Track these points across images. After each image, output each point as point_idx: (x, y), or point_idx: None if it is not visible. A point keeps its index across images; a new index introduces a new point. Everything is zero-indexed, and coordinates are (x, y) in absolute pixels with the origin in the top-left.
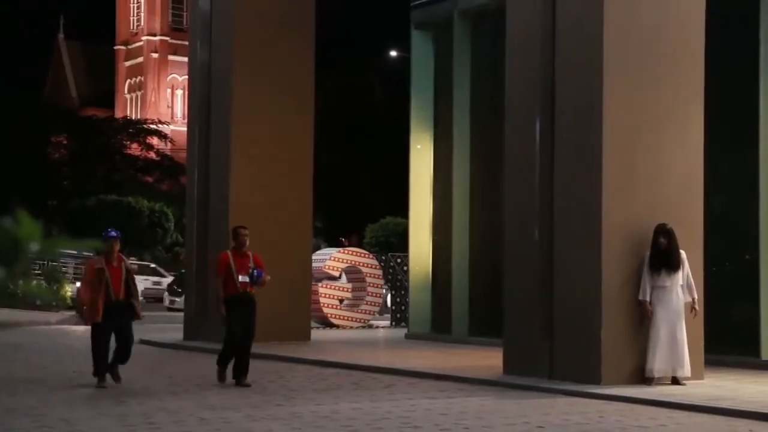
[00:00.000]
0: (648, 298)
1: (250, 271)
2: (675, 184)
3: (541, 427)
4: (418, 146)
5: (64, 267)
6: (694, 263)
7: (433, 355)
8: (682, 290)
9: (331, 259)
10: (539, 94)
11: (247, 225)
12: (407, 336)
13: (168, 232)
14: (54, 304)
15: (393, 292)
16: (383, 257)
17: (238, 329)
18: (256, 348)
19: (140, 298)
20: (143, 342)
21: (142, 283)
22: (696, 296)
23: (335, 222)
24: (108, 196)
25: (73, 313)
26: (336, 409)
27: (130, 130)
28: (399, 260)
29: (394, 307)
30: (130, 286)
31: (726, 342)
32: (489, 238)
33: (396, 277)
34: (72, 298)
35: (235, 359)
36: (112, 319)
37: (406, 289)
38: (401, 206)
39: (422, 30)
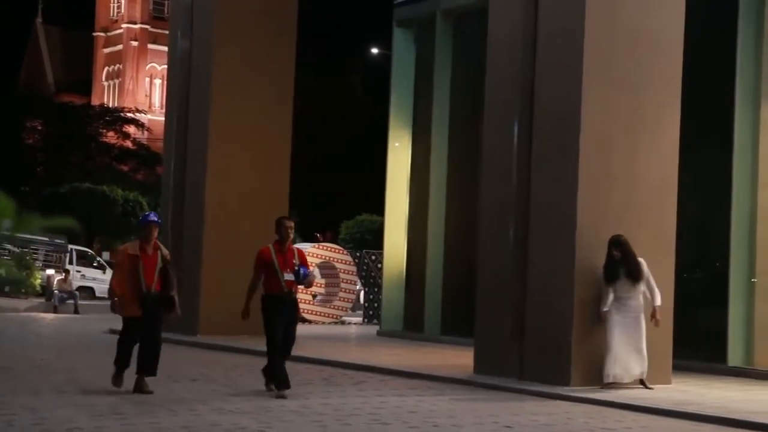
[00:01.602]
0: (607, 308)
1: (296, 268)
2: (649, 188)
3: (509, 427)
4: (396, 144)
5: (34, 253)
6: (665, 269)
7: (405, 352)
8: (643, 297)
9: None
10: (519, 96)
11: (222, 218)
12: (379, 333)
13: None
14: (23, 290)
15: (366, 289)
16: (358, 254)
17: (279, 334)
18: (226, 341)
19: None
20: (112, 332)
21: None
22: (659, 303)
23: (311, 217)
24: (82, 183)
25: (42, 300)
26: (305, 404)
27: (107, 118)
28: (373, 257)
29: (367, 304)
30: (167, 276)
31: (694, 348)
32: (464, 238)
33: (370, 274)
34: (42, 286)
35: (278, 367)
36: (144, 313)
37: (379, 287)
38: (377, 203)
39: (404, 28)
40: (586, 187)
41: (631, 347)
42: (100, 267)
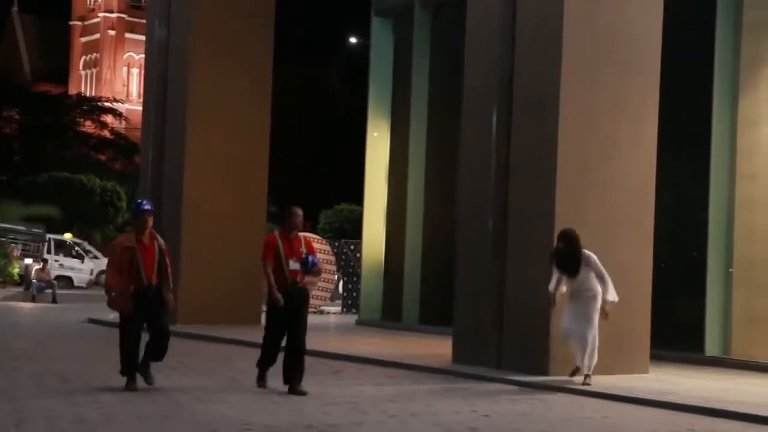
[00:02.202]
0: (554, 290)
1: (303, 257)
2: (628, 179)
3: (487, 416)
4: (375, 134)
5: (12, 243)
6: (644, 259)
7: (383, 342)
8: (594, 290)
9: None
10: (497, 86)
11: (200, 207)
12: (358, 323)
13: (120, 211)
14: (1, 280)
15: (345, 279)
16: (336, 243)
17: (280, 327)
18: (205, 330)
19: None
20: (91, 321)
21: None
22: (610, 299)
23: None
24: (60, 173)
25: (20, 289)
26: (284, 393)
27: (84, 108)
28: (352, 247)
29: (345, 294)
30: (163, 268)
31: (671, 337)
32: (442, 228)
33: (348, 263)
34: (20, 275)
35: (288, 362)
36: (144, 307)
37: (358, 276)
38: (356, 193)
39: (383, 18)
40: (564, 178)
41: (576, 335)
42: (78, 256)
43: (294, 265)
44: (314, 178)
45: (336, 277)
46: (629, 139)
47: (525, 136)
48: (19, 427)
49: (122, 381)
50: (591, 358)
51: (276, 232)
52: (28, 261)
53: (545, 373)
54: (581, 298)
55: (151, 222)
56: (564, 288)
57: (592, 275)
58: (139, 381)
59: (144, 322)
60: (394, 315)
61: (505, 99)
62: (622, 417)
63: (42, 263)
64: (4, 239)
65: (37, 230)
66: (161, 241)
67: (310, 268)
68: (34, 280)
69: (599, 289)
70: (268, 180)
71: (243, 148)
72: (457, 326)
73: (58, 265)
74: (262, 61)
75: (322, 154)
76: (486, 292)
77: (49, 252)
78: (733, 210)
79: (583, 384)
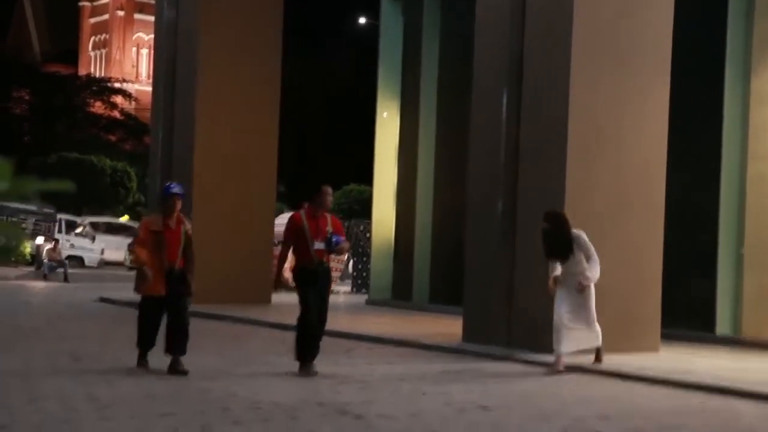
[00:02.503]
0: (554, 274)
1: (328, 236)
2: (638, 160)
3: (497, 394)
4: (385, 114)
5: (23, 222)
6: (654, 239)
7: (393, 321)
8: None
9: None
10: (507, 68)
11: (210, 187)
12: (368, 302)
13: (130, 192)
14: (13, 259)
15: (355, 259)
16: (346, 224)
17: (314, 308)
18: (215, 309)
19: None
20: (103, 300)
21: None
22: (590, 276)
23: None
24: (70, 153)
25: (32, 268)
26: (295, 371)
27: (94, 88)
28: (362, 227)
29: (355, 274)
30: (188, 254)
31: (682, 317)
32: (452, 207)
33: (358, 243)
34: (32, 255)
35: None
36: (166, 291)
37: (368, 256)
38: (365, 174)
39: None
40: (574, 159)
41: (571, 318)
42: (89, 236)
43: (319, 245)
44: (324, 158)
45: (346, 257)
46: (639, 119)
47: (535, 118)
48: (32, 405)
49: (133, 359)
50: (599, 339)
51: (302, 210)
52: (40, 240)
53: None
54: (569, 285)
55: (179, 205)
56: (559, 269)
57: (583, 258)
58: (152, 363)
59: (165, 308)
60: (404, 294)
61: (515, 80)
62: (632, 396)
63: (53, 243)
64: (15, 219)
65: (48, 210)
66: (188, 225)
67: (333, 247)
68: (45, 260)
69: (595, 274)
70: (278, 160)
71: (252, 129)
72: (467, 305)
73: (70, 245)
74: (271, 41)
75: (332, 134)
76: (496, 271)
77: (60, 232)
78: (744, 190)
79: (595, 362)
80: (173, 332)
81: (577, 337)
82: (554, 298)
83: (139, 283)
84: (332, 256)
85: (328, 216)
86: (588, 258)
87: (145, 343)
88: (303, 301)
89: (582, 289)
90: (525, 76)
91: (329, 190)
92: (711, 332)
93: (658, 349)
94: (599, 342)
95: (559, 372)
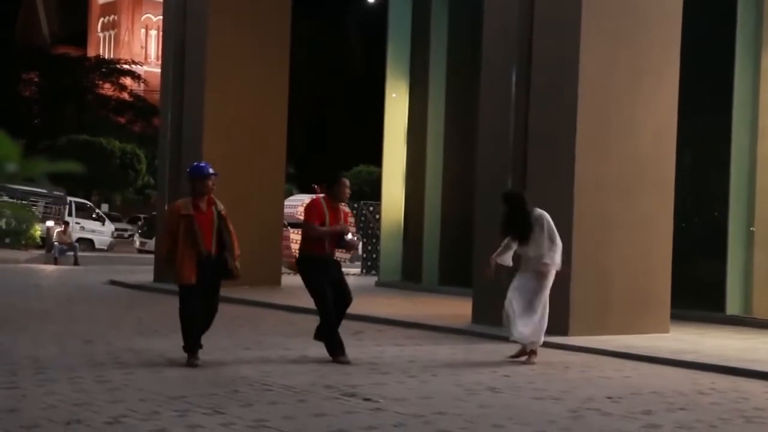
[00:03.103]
0: (496, 256)
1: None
2: (648, 140)
3: (507, 376)
4: (394, 95)
5: (33, 205)
6: (664, 218)
7: (403, 303)
8: (556, 256)
9: (303, 205)
10: (516, 47)
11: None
12: (377, 284)
13: (139, 174)
14: (23, 242)
15: (364, 241)
16: (355, 205)
17: (332, 302)
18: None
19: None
20: (113, 283)
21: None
22: (548, 262)
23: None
24: (79, 136)
25: (42, 251)
26: (305, 355)
27: (103, 70)
28: (371, 209)
29: (365, 255)
30: (224, 236)
31: (692, 297)
32: (462, 188)
33: (368, 225)
34: (42, 237)
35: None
36: (202, 279)
37: (377, 238)
38: (375, 155)
39: None
40: (583, 138)
41: (522, 308)
42: (99, 219)
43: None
44: (333, 139)
45: (355, 238)
46: (649, 99)
47: (544, 98)
48: (43, 388)
49: (143, 342)
50: (541, 336)
51: (321, 198)
52: (50, 223)
53: (565, 333)
54: (534, 269)
55: (213, 187)
56: (509, 259)
57: (546, 241)
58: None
59: (202, 293)
60: (413, 276)
61: (524, 59)
62: (642, 376)
63: (63, 226)
64: (25, 201)
65: (58, 193)
66: (220, 205)
67: (344, 244)
68: (55, 243)
69: (556, 259)
70: (287, 141)
71: (261, 110)
72: (477, 287)
73: (80, 227)
74: (280, 21)
75: (340, 115)
76: None
77: (70, 214)
78: (755, 168)
79: (527, 362)
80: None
81: (529, 323)
82: (511, 285)
83: (174, 272)
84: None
85: (342, 209)
86: (551, 241)
87: (189, 338)
88: (322, 297)
89: (542, 274)
90: (534, 55)
91: (347, 182)
92: (721, 312)
93: (668, 330)
94: (540, 340)
95: (523, 357)
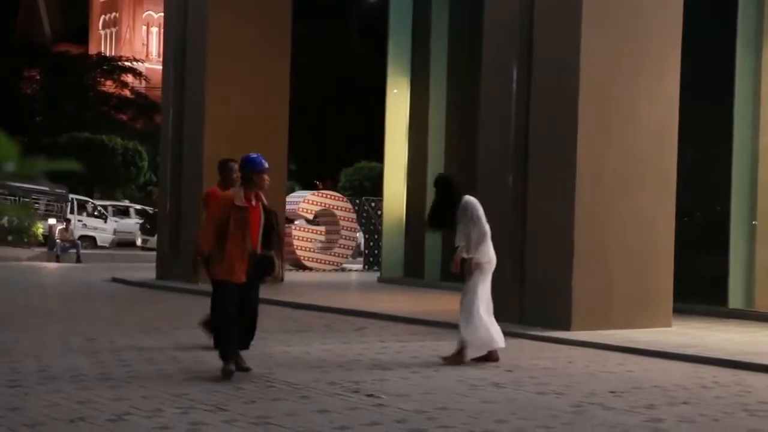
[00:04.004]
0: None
1: None
2: (649, 134)
3: (509, 371)
4: (395, 91)
5: (35, 203)
6: (666, 212)
7: (405, 299)
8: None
9: (304, 201)
10: (517, 43)
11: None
12: (380, 280)
13: (141, 171)
14: (26, 240)
15: (366, 236)
16: (357, 201)
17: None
18: None
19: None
20: (115, 280)
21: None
22: (463, 256)
23: (309, 165)
24: (81, 133)
25: (44, 249)
26: (307, 351)
27: (104, 67)
28: (373, 204)
29: (367, 251)
30: (272, 234)
31: (695, 291)
32: (463, 184)
33: (370, 221)
34: (44, 235)
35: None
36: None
37: (379, 234)
38: (377, 151)
39: None
40: (585, 133)
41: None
42: (101, 216)
43: None
44: (334, 135)
45: (357, 234)
46: (651, 92)
47: (545, 93)
48: (46, 386)
49: (146, 340)
50: (470, 337)
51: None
52: (52, 221)
53: (567, 327)
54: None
55: (267, 182)
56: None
57: (472, 232)
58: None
59: (242, 293)
60: (415, 272)
61: (524, 55)
62: (645, 371)
63: (65, 223)
64: (27, 199)
65: (59, 190)
66: (265, 201)
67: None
68: (57, 240)
69: (489, 251)
70: (288, 138)
71: (263, 107)
72: None
73: (82, 225)
74: (281, 18)
75: (342, 111)
76: (507, 247)
77: (72, 212)
78: (756, 162)
79: (449, 360)
80: (241, 324)
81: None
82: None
83: (214, 268)
84: (343, 234)
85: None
86: (476, 232)
87: (225, 342)
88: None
89: (455, 267)
90: (535, 51)
91: (235, 167)
92: (724, 306)
93: (671, 324)
94: (473, 341)
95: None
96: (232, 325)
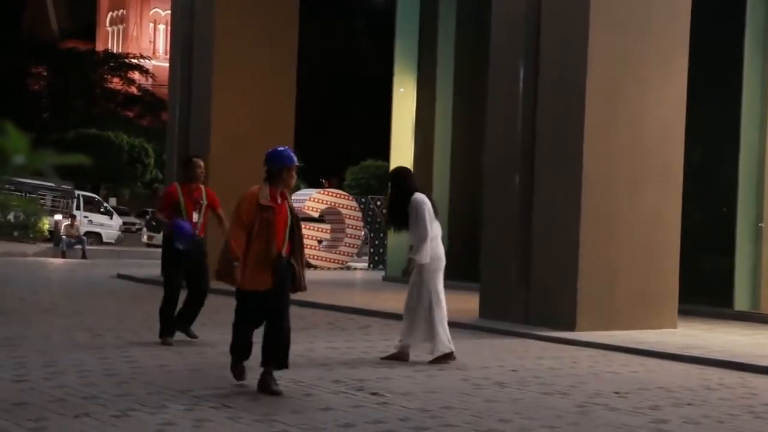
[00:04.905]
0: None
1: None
2: (656, 132)
3: (514, 370)
4: (401, 90)
5: (42, 199)
6: (672, 212)
7: None
8: (436, 253)
9: (310, 199)
10: (524, 40)
11: (227, 163)
12: (385, 278)
13: (147, 168)
14: (31, 235)
15: (372, 235)
16: (363, 200)
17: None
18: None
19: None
20: (121, 276)
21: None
22: (411, 257)
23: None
24: (88, 130)
25: (50, 245)
26: (312, 348)
27: (111, 64)
28: (378, 203)
29: (372, 250)
30: (294, 238)
31: (700, 292)
32: (469, 183)
33: (375, 219)
34: (50, 231)
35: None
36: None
37: (384, 232)
38: (382, 149)
39: None
40: (591, 132)
41: (416, 316)
42: (107, 213)
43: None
44: (340, 134)
45: (363, 233)
46: (658, 91)
47: (552, 91)
48: (52, 381)
49: (151, 336)
50: (438, 340)
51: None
52: (58, 217)
53: (572, 328)
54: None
55: (294, 179)
56: (424, 246)
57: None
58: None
59: (269, 301)
60: None
61: (532, 53)
62: (650, 371)
63: (71, 219)
64: (34, 195)
65: (66, 186)
66: (291, 202)
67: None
68: (63, 236)
69: (432, 251)
70: (294, 136)
71: (269, 104)
72: (484, 282)
73: (87, 221)
74: (288, 16)
75: (348, 109)
76: (512, 247)
77: (78, 208)
78: (763, 163)
79: (393, 356)
80: (271, 337)
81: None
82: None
83: (234, 274)
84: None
85: (201, 189)
86: (417, 232)
87: (239, 348)
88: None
89: (407, 272)
90: (542, 48)
91: (201, 163)
92: (729, 307)
93: (676, 325)
94: (413, 343)
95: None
96: (247, 335)
